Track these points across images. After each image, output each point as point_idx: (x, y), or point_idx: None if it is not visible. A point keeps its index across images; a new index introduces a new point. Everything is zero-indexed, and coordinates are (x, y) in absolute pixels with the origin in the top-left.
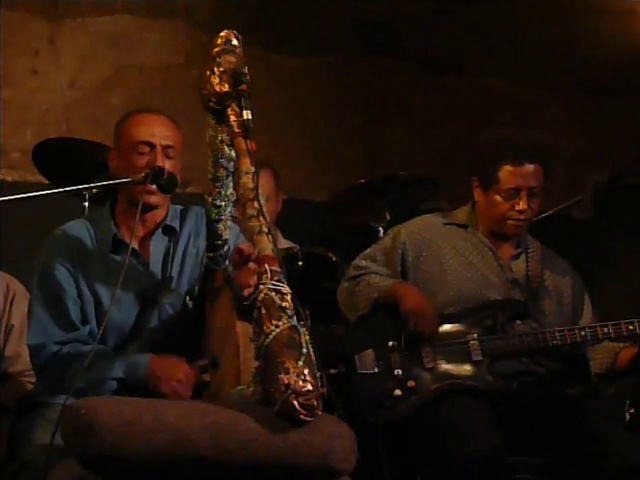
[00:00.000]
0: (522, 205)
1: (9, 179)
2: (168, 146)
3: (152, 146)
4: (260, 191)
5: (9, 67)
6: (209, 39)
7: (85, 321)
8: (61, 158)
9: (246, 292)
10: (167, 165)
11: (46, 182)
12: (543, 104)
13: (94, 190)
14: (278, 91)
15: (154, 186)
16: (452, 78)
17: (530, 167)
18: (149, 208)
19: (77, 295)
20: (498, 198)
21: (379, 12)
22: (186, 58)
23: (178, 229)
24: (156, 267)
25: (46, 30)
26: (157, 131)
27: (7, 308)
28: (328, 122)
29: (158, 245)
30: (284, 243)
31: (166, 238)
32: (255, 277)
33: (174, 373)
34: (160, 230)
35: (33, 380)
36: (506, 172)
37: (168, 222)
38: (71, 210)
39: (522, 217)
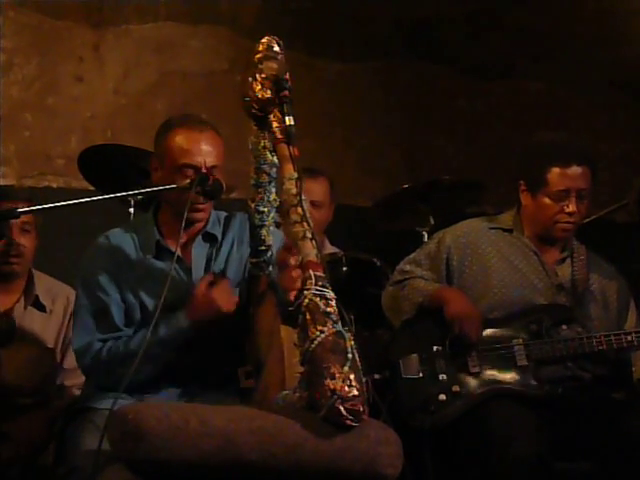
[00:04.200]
0: (572, 207)
1: (54, 186)
2: (213, 166)
3: (197, 168)
4: (314, 198)
5: (54, 74)
6: (253, 45)
7: (129, 324)
8: (106, 165)
9: (291, 296)
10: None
11: (91, 188)
12: (588, 108)
13: (139, 196)
14: (322, 96)
15: (202, 204)
16: (496, 82)
17: (579, 169)
18: (194, 221)
19: (121, 299)
20: (547, 201)
21: (423, 17)
22: (230, 64)
23: (220, 235)
24: (198, 273)
25: (90, 37)
26: (202, 152)
27: (66, 321)
28: (372, 127)
29: (199, 251)
30: (330, 249)
31: (207, 245)
32: (299, 282)
33: (213, 297)
34: (200, 237)
35: None
36: (555, 174)
37: (209, 229)
38: (116, 216)
39: (571, 220)
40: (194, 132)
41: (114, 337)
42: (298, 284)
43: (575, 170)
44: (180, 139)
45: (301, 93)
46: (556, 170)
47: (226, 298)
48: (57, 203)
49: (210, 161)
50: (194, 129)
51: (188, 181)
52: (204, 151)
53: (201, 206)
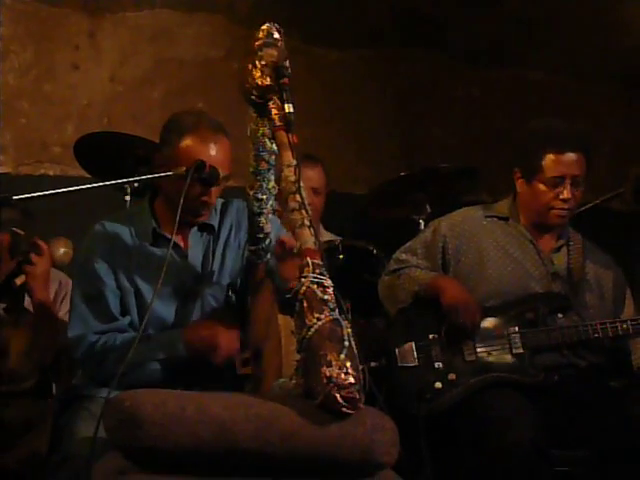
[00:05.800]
0: (566, 194)
1: (51, 173)
2: (225, 177)
3: None
4: (315, 185)
5: (50, 62)
6: (249, 33)
7: (125, 312)
8: (102, 152)
9: (290, 285)
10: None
11: (87, 176)
12: (584, 96)
13: (135, 184)
14: (319, 84)
15: (205, 211)
16: (493, 70)
17: (573, 156)
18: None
19: (116, 287)
20: (542, 187)
21: (419, 5)
22: (226, 52)
23: (216, 224)
24: (195, 260)
25: (87, 25)
26: (216, 164)
27: (57, 305)
28: (369, 115)
29: (196, 239)
30: (326, 235)
31: (203, 233)
32: (297, 270)
33: (214, 337)
34: (196, 227)
35: None
36: (550, 161)
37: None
38: (112, 204)
39: (566, 206)
40: (207, 144)
41: (109, 330)
42: (296, 274)
43: (570, 157)
44: (192, 150)
45: (297, 81)
46: (551, 157)
47: (229, 341)
48: (53, 190)
49: (224, 172)
50: (206, 140)
51: (184, 169)
52: (218, 161)
53: (203, 211)
